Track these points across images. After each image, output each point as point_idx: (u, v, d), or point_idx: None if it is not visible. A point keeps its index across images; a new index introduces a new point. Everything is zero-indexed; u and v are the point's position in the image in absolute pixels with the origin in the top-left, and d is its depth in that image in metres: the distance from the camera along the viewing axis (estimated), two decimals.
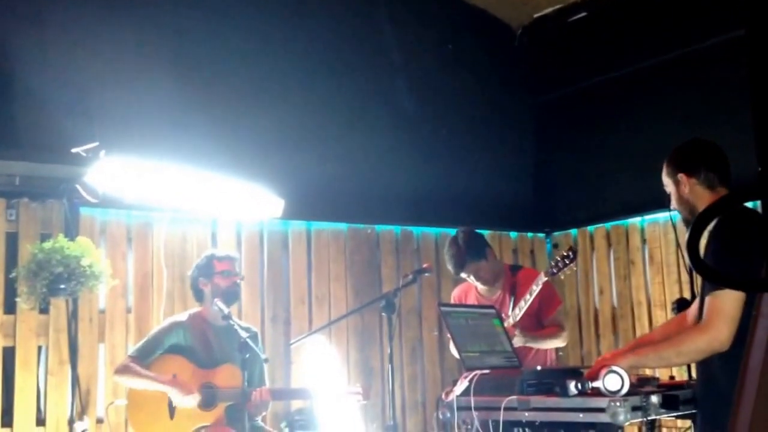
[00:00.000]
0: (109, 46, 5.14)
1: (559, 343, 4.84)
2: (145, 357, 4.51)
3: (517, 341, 4.53)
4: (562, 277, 4.66)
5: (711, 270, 2.69)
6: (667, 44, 6.11)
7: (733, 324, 2.72)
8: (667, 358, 2.96)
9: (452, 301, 5.14)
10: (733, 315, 2.73)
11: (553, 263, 4.52)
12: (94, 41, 5.10)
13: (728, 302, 2.73)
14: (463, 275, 4.85)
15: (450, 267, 4.85)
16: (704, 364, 2.94)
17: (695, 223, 2.90)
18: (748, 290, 2.64)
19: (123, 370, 4.47)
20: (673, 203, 3.16)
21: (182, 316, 4.75)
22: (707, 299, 2.81)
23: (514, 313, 4.63)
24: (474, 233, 4.85)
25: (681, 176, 3.08)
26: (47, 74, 4.79)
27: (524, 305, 4.58)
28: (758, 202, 4.94)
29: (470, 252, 4.74)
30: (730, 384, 2.72)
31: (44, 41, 4.86)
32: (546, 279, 4.52)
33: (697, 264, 2.64)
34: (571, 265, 4.47)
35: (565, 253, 4.48)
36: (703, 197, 3.02)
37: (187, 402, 4.39)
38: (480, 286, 4.92)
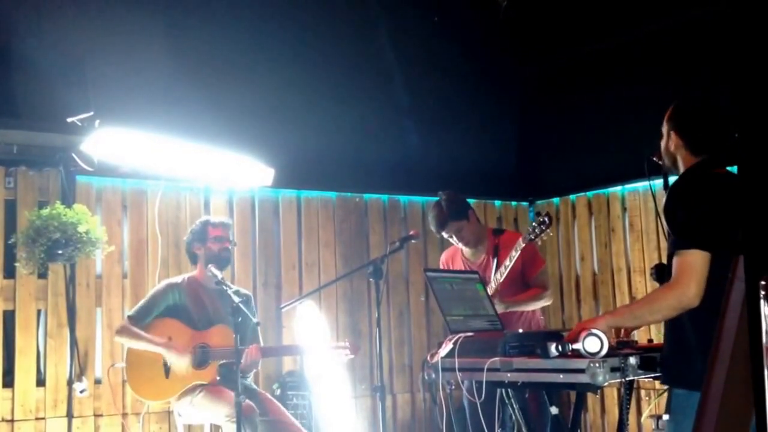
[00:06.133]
0: (103, 18, 5.17)
1: (543, 303, 4.94)
2: (143, 318, 4.66)
3: (498, 308, 4.63)
4: (539, 243, 4.74)
5: (689, 231, 2.79)
6: (649, 16, 6.12)
7: (701, 280, 2.77)
8: (641, 316, 3.01)
9: (440, 265, 5.24)
10: (699, 271, 2.77)
11: (530, 229, 4.59)
12: (90, 13, 5.13)
13: (694, 259, 2.78)
14: (445, 235, 4.95)
15: (433, 227, 4.96)
16: (671, 322, 2.99)
17: (672, 191, 3.04)
18: (714, 241, 2.74)
19: (122, 331, 4.63)
20: (661, 147, 3.21)
21: (178, 279, 4.89)
22: (674, 258, 2.86)
23: (496, 278, 4.72)
24: (456, 195, 4.94)
25: (672, 133, 3.12)
26: (43, 45, 4.82)
27: (504, 270, 4.67)
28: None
29: (452, 212, 4.84)
30: (696, 340, 2.83)
31: (40, 12, 4.89)
32: (524, 244, 4.61)
33: (673, 226, 2.76)
34: (548, 230, 4.54)
35: (541, 219, 4.55)
36: (685, 158, 3.08)
37: (180, 362, 4.54)
38: (464, 249, 5.01)
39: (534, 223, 4.58)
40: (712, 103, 3.19)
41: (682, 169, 3.09)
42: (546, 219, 4.54)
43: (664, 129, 3.18)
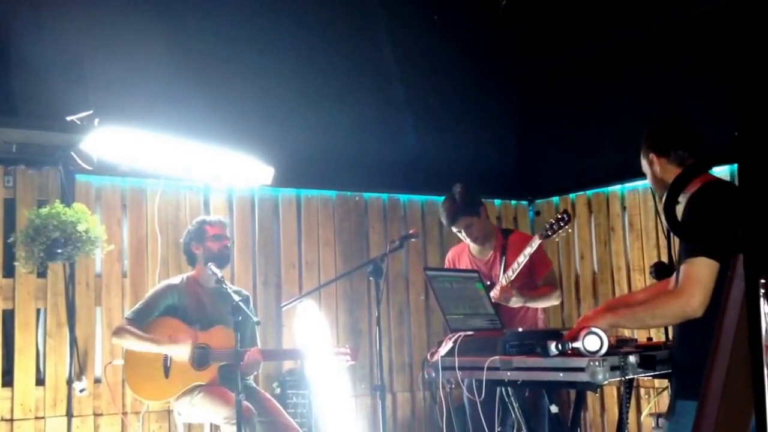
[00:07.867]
0: (103, 16, 5.19)
1: (553, 301, 4.95)
2: (142, 319, 4.62)
3: (515, 301, 4.64)
4: (557, 239, 4.75)
5: (688, 230, 2.80)
6: (649, 16, 6.13)
7: (707, 291, 2.76)
8: (642, 320, 3.03)
9: (446, 262, 5.22)
10: (706, 282, 2.76)
11: (548, 225, 4.58)
12: (89, 12, 5.14)
13: (702, 269, 2.77)
14: (455, 229, 4.92)
15: (443, 220, 4.93)
16: (680, 331, 2.99)
17: (671, 187, 3.04)
18: (724, 251, 2.71)
19: (120, 332, 4.58)
20: (650, 182, 3.23)
21: (176, 279, 4.87)
22: (682, 266, 2.85)
23: (507, 275, 4.71)
24: (470, 189, 4.91)
25: (652, 156, 3.13)
26: (43, 44, 4.81)
27: (517, 267, 4.67)
28: (727, 171, 5.06)
29: (465, 206, 4.82)
30: (704, 350, 2.84)
31: (39, 10, 4.89)
32: (540, 241, 4.60)
33: (674, 226, 2.76)
34: (566, 227, 4.55)
35: (559, 216, 4.55)
36: (674, 174, 3.07)
37: (182, 354, 4.51)
38: (471, 245, 4.99)
39: (552, 220, 4.59)
40: (674, 113, 3.24)
41: None
42: (565, 216, 4.54)
43: (645, 161, 3.20)
